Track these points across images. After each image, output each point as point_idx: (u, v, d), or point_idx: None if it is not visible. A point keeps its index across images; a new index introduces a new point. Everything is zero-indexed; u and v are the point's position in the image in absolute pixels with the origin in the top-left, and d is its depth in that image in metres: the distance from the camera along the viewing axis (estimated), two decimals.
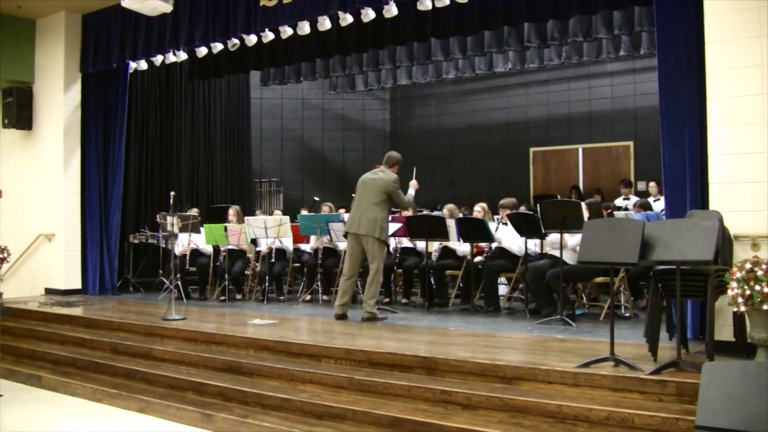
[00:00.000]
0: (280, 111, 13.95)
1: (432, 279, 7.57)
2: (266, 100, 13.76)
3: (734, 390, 3.26)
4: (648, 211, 7.70)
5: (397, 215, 8.05)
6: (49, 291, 9.12)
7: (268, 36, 7.84)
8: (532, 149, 12.61)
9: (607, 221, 5.27)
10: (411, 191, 6.87)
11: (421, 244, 7.87)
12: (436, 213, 8.57)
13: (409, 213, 7.90)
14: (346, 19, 7.27)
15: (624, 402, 3.98)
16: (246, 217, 8.35)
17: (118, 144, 9.19)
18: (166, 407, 5.02)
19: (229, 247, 8.38)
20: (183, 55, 8.59)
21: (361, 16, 7.20)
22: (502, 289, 7.84)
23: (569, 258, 6.21)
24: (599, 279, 6.53)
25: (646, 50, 9.85)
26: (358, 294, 7.68)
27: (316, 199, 10.93)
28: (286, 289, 8.73)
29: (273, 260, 8.36)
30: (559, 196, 9.99)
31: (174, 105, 10.97)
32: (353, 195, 6.77)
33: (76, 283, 9.11)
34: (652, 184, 9.75)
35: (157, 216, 8.34)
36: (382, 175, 6.60)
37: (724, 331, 4.66)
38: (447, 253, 7.75)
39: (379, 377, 4.69)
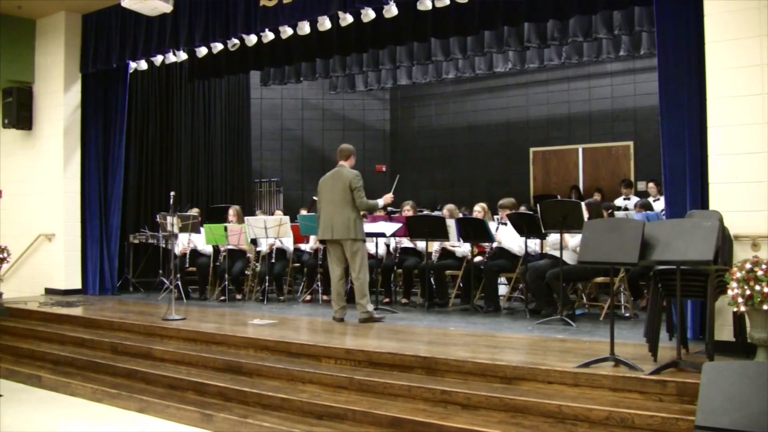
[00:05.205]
0: (280, 111, 13.95)
1: (432, 279, 7.57)
2: (266, 100, 13.76)
3: (734, 390, 3.26)
4: (648, 211, 7.70)
5: (397, 215, 8.04)
6: (49, 291, 9.11)
7: (268, 36, 7.85)
8: (532, 149, 12.61)
9: (607, 221, 5.27)
10: (380, 201, 6.50)
11: (421, 244, 7.86)
12: (436, 213, 8.57)
13: (409, 213, 7.90)
14: (346, 19, 7.27)
15: (624, 402, 3.98)
16: (246, 217, 8.34)
17: (118, 144, 9.19)
18: (166, 407, 5.02)
19: (229, 247, 8.38)
20: (183, 55, 8.59)
21: (361, 16, 7.20)
22: (502, 289, 7.84)
23: (569, 258, 6.21)
24: (599, 279, 6.53)
25: (646, 50, 9.85)
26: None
27: (315, 198, 10.90)
28: (286, 289, 8.73)
29: (273, 260, 8.37)
30: (559, 196, 9.99)
31: (174, 105, 10.97)
32: (314, 198, 6.45)
33: (76, 283, 9.11)
34: (651, 184, 9.75)
35: (157, 216, 8.34)
36: (344, 171, 6.35)
37: (724, 331, 4.67)
38: (447, 253, 7.74)
39: (379, 377, 4.69)
